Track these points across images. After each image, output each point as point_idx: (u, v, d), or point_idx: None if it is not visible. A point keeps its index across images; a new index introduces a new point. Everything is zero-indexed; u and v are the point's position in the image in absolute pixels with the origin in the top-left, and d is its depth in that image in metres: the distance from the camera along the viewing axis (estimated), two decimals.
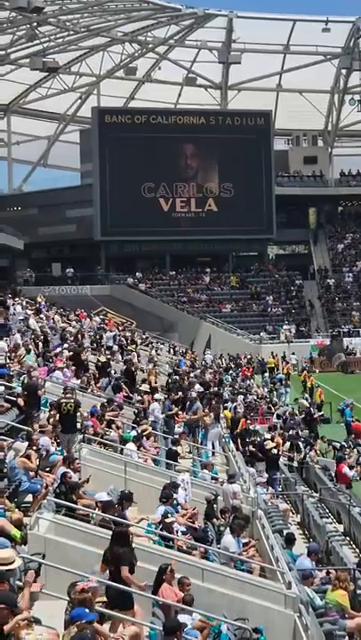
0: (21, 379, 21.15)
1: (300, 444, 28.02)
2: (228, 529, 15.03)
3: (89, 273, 65.31)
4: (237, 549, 14.47)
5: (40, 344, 29.76)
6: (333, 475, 25.14)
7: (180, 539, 14.17)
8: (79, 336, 34.63)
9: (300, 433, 30.08)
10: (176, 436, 22.96)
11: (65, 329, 35.75)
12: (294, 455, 27.31)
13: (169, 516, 14.11)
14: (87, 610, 8.93)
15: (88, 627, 8.69)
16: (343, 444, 29.88)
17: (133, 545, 11.42)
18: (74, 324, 40.20)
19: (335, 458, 26.85)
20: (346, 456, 26.58)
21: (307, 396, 39.94)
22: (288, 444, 27.79)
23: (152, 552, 12.83)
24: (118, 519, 13.01)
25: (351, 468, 25.28)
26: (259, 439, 26.38)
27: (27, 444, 15.08)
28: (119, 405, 23.75)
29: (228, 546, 14.38)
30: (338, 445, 29.46)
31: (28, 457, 14.36)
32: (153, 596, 11.11)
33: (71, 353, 28.87)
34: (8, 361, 23.80)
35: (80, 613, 8.82)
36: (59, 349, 29.94)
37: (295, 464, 26.94)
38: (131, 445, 19.56)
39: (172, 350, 49.40)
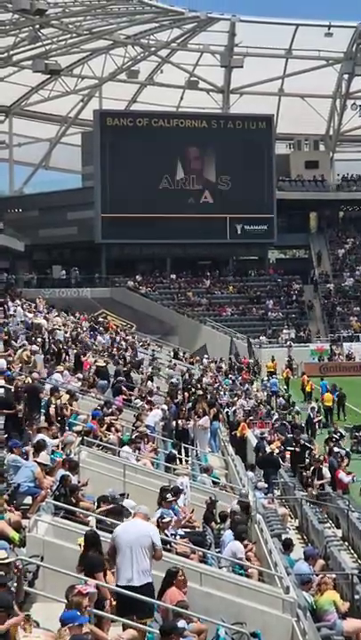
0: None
1: (322, 467, 23.78)
2: (230, 534, 14.95)
3: (88, 275, 65.24)
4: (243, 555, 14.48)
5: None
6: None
7: (176, 542, 14.13)
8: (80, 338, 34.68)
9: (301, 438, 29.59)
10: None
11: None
12: (314, 481, 23.24)
13: (165, 517, 14.08)
14: (79, 613, 8.93)
15: (79, 629, 8.69)
16: (348, 451, 29.35)
17: None
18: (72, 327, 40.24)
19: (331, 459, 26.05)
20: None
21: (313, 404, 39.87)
22: (311, 468, 23.82)
23: None
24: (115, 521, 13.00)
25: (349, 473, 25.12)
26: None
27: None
28: (118, 408, 23.73)
29: (235, 551, 14.32)
30: (343, 452, 28.64)
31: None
32: (157, 602, 10.95)
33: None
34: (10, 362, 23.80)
35: (72, 616, 8.82)
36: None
37: (315, 492, 22.94)
38: (126, 448, 19.55)
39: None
